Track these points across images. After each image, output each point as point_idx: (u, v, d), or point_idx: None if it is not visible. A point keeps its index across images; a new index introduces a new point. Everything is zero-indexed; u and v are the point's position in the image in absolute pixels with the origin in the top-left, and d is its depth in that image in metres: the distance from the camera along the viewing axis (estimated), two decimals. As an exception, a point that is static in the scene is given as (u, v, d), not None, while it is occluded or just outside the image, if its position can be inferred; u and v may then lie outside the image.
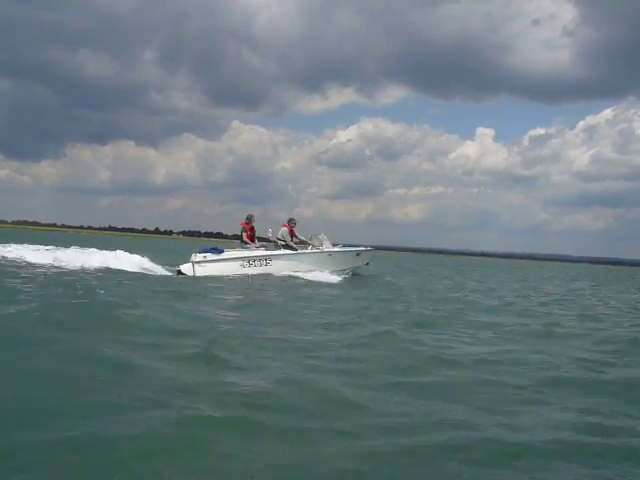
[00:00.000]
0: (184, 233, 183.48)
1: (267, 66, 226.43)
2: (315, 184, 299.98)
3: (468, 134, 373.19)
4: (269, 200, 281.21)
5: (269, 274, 18.21)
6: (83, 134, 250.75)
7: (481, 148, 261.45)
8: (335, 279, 17.99)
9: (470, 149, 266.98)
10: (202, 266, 18.04)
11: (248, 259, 18.39)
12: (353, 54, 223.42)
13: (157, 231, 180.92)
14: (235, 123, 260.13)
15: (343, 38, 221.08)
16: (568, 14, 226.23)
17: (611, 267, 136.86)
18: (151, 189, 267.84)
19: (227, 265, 18.24)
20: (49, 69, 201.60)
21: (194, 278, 17.11)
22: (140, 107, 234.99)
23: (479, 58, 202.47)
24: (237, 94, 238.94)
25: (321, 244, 19.32)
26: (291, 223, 19.51)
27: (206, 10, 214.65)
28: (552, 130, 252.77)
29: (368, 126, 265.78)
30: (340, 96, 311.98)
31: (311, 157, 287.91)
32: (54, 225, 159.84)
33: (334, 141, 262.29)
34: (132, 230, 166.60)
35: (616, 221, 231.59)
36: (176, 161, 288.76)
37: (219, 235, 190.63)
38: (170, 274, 17.89)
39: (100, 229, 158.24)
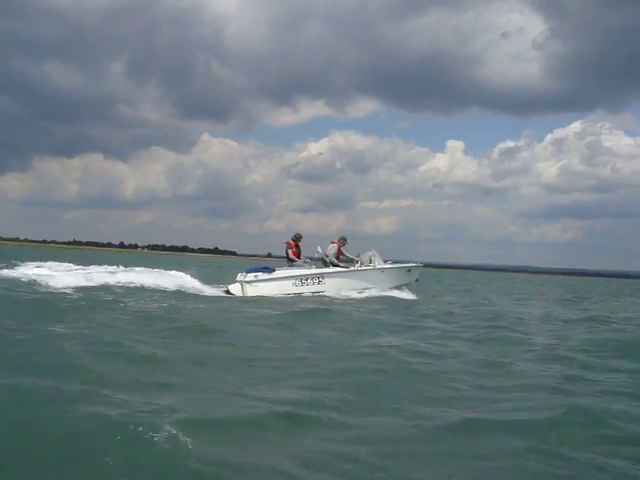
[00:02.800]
0: (149, 247, 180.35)
1: (237, 79, 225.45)
2: (286, 197, 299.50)
3: (438, 147, 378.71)
4: (239, 213, 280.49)
5: (323, 292, 17.67)
6: (50, 147, 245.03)
7: (451, 161, 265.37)
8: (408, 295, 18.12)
9: (440, 162, 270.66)
10: (254, 286, 17.51)
11: (300, 277, 17.80)
12: (323, 67, 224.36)
13: (122, 245, 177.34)
14: (205, 136, 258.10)
15: (313, 51, 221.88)
16: (537, 28, 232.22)
17: (576, 278, 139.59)
18: (120, 203, 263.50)
19: (279, 284, 17.68)
20: (14, 80, 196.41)
21: (251, 299, 16.54)
22: (109, 120, 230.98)
23: (449, 71, 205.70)
24: (207, 107, 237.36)
25: (370, 261, 18.78)
26: (341, 241, 18.92)
27: (176, 22, 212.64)
28: (521, 143, 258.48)
29: (339, 139, 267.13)
30: (311, 109, 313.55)
31: (281, 170, 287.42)
32: (16, 239, 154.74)
33: (305, 154, 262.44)
34: (96, 244, 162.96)
35: (584, 232, 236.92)
36: (145, 174, 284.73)
37: (185, 249, 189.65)
38: (221, 294, 17.26)
39: (64, 243, 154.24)
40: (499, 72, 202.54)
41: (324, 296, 17.32)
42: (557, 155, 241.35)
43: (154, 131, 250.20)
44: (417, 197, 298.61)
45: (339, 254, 18.81)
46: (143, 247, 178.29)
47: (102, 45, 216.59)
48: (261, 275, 17.61)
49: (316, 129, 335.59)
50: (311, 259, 19.01)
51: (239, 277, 17.97)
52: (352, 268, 18.45)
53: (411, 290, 18.88)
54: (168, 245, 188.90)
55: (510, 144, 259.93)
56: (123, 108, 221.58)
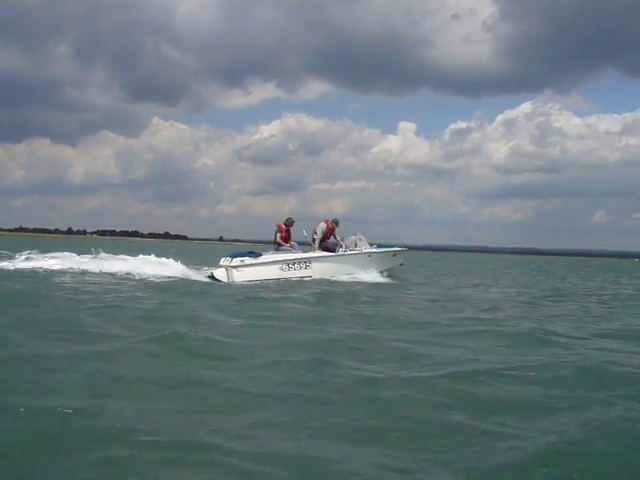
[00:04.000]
0: (98, 232, 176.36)
1: (187, 61, 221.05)
2: (238, 180, 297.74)
3: (390, 128, 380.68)
4: (191, 197, 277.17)
5: (310, 277, 17.31)
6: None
7: (403, 142, 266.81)
8: (383, 279, 17.74)
9: (392, 143, 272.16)
10: (240, 271, 16.88)
11: (287, 262, 17.27)
12: (274, 49, 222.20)
13: (70, 231, 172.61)
14: (155, 119, 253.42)
15: (263, 33, 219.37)
16: (487, 9, 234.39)
17: (526, 257, 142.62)
18: (69, 188, 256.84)
19: (266, 269, 17.10)
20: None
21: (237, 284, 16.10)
22: (55, 104, 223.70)
23: (400, 53, 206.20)
24: (156, 89, 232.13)
25: (355, 245, 18.47)
26: (333, 223, 18.44)
27: (123, 3, 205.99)
28: (472, 124, 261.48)
29: (290, 121, 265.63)
30: (262, 91, 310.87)
31: (233, 153, 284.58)
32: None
33: (256, 136, 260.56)
34: (44, 230, 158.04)
35: (534, 212, 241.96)
36: (94, 159, 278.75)
37: (135, 234, 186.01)
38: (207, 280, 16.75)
39: (10, 230, 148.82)
40: (450, 53, 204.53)
41: (312, 281, 16.97)
42: (507, 136, 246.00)
43: (103, 115, 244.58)
44: (369, 179, 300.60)
45: (328, 233, 18.39)
46: (92, 233, 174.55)
47: (46, 27, 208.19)
48: (247, 260, 17.02)
49: (268, 111, 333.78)
50: (299, 243, 18.57)
51: (223, 262, 17.37)
52: (340, 253, 18.07)
53: (395, 274, 18.74)
54: (118, 230, 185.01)
55: (461, 125, 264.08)
56: (70, 92, 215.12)
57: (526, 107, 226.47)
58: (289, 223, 18.11)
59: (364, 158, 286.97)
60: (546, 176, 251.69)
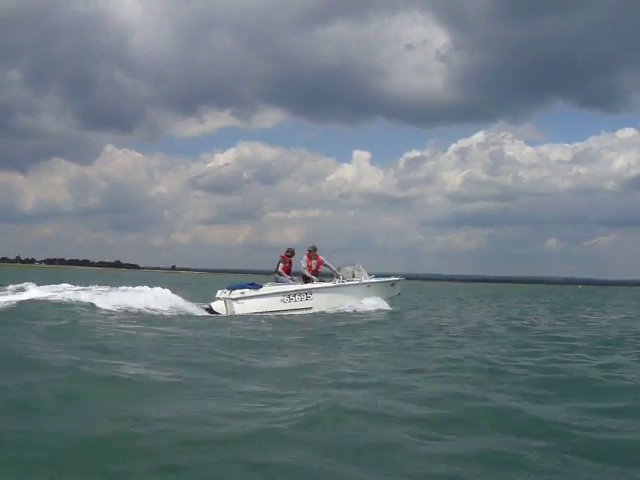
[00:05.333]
0: (47, 261, 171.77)
1: (141, 88, 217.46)
2: (192, 209, 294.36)
3: (345, 157, 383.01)
4: (145, 226, 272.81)
5: (310, 308, 17.01)
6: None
7: (358, 171, 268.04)
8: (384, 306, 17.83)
9: (347, 172, 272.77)
10: (240, 303, 16.66)
11: (288, 294, 17.03)
12: (229, 77, 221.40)
13: (18, 259, 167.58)
14: (109, 147, 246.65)
15: (219, 61, 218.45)
16: (440, 40, 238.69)
17: (475, 284, 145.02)
18: (18, 216, 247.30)
19: (267, 301, 16.86)
20: None
21: (242, 317, 15.71)
22: (6, 130, 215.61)
23: (354, 82, 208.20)
24: (110, 117, 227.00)
25: (353, 275, 18.27)
26: (309, 250, 18.04)
27: (78, 29, 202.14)
28: (426, 153, 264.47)
29: (245, 150, 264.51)
30: (217, 120, 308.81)
31: (187, 181, 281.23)
32: None
33: (211, 165, 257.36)
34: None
35: (487, 240, 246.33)
36: (46, 187, 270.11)
37: (85, 262, 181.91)
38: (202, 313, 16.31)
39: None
40: (404, 83, 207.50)
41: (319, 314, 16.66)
42: (461, 165, 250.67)
43: (55, 142, 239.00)
44: (324, 207, 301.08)
45: (318, 264, 18.11)
46: (40, 261, 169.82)
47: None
48: (248, 291, 16.76)
49: (223, 140, 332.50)
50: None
51: (220, 294, 17.07)
52: (340, 284, 17.84)
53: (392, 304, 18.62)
54: (67, 259, 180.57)
55: (416, 154, 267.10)
56: (21, 118, 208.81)
57: (479, 136, 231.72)
58: (291, 254, 17.85)
59: (319, 187, 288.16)
60: (499, 204, 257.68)
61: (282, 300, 16.95)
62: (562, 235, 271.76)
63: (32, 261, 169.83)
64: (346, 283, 17.88)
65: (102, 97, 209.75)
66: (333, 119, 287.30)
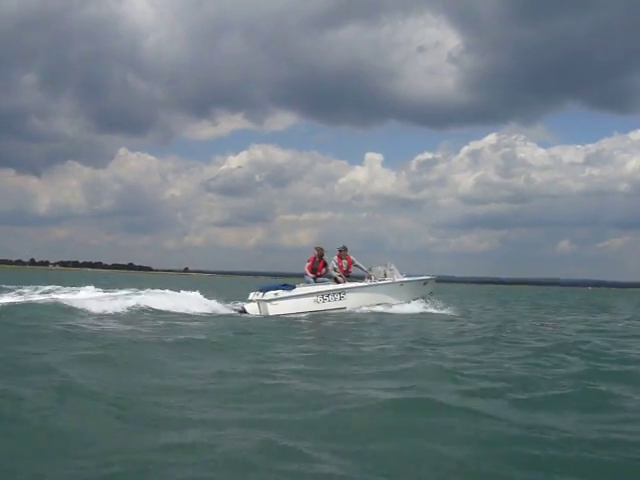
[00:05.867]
0: (61, 264, 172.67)
1: (155, 91, 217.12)
2: (205, 211, 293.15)
3: (357, 160, 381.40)
4: (158, 228, 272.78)
5: (344, 308, 16.94)
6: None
7: (370, 173, 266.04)
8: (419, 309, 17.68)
9: (359, 174, 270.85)
10: (274, 304, 16.69)
11: (322, 294, 17.05)
12: (242, 80, 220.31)
13: (32, 262, 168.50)
14: (122, 150, 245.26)
15: (231, 64, 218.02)
16: (452, 42, 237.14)
17: (489, 286, 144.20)
18: (33, 219, 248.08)
19: (301, 301, 16.92)
20: None
21: (273, 317, 15.81)
22: (20, 133, 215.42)
23: (366, 85, 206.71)
24: (124, 120, 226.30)
25: (385, 275, 18.15)
26: (340, 251, 18.12)
27: (91, 33, 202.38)
28: (438, 155, 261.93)
29: (258, 152, 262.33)
30: (230, 122, 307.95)
31: (200, 184, 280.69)
32: None
33: (224, 167, 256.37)
34: (5, 262, 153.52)
35: (499, 242, 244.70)
36: (60, 190, 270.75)
37: (99, 265, 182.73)
38: (233, 312, 16.53)
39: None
40: (416, 85, 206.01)
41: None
42: (473, 167, 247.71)
43: (69, 145, 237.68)
44: (336, 210, 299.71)
45: (349, 263, 18.03)
46: (54, 264, 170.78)
47: (13, 56, 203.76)
48: (281, 293, 16.82)
49: (235, 142, 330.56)
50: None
51: (253, 296, 17.19)
52: (373, 283, 17.74)
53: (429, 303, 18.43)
54: (81, 261, 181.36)
55: (428, 156, 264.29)
56: (36, 121, 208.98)
57: (491, 138, 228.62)
58: (318, 253, 17.96)
59: (331, 189, 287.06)
60: (511, 206, 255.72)
61: (316, 300, 16.95)
62: (574, 237, 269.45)
63: (46, 263, 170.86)
64: (379, 282, 17.80)
65: (115, 100, 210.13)
66: (345, 121, 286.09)
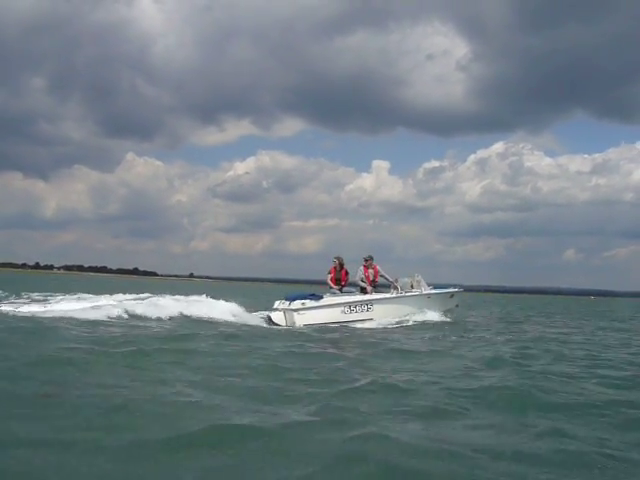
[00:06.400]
0: (65, 267, 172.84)
1: (162, 97, 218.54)
2: (211, 217, 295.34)
3: (364, 167, 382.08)
4: (164, 233, 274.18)
5: (371, 319, 16.70)
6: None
7: (377, 180, 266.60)
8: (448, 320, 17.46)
9: (366, 182, 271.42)
10: (302, 314, 16.40)
11: (349, 304, 16.79)
12: (249, 86, 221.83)
13: (37, 266, 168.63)
14: (129, 155, 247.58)
15: (240, 70, 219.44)
16: (461, 50, 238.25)
17: (493, 294, 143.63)
18: (40, 223, 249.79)
19: (328, 312, 16.64)
20: None
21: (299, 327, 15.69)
22: (28, 137, 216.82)
23: (375, 92, 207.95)
24: (131, 125, 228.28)
25: (411, 286, 17.92)
26: (366, 261, 17.84)
27: (99, 38, 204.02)
28: (445, 163, 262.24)
29: (265, 159, 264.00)
30: (237, 128, 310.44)
31: (207, 190, 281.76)
32: None
33: (231, 173, 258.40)
34: (11, 265, 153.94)
35: (505, 250, 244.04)
36: (67, 194, 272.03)
37: (104, 269, 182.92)
38: (261, 322, 16.26)
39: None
40: (424, 93, 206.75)
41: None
42: (480, 175, 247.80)
43: (77, 149, 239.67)
44: (342, 216, 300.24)
45: (375, 274, 17.80)
46: (59, 268, 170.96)
47: (22, 60, 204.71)
48: (309, 302, 16.56)
49: (243, 148, 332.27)
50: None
51: (279, 305, 16.93)
52: (401, 295, 17.51)
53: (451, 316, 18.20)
54: (86, 266, 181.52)
55: (435, 164, 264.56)
56: (44, 125, 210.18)
57: (499, 147, 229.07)
58: (337, 263, 17.73)
59: (338, 196, 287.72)
60: (518, 215, 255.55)
61: (343, 311, 16.71)
62: (580, 246, 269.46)
63: (51, 267, 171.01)
64: (407, 294, 17.59)
65: (123, 105, 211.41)
66: (353, 128, 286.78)
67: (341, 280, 17.69)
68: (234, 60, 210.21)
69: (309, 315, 16.40)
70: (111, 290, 22.06)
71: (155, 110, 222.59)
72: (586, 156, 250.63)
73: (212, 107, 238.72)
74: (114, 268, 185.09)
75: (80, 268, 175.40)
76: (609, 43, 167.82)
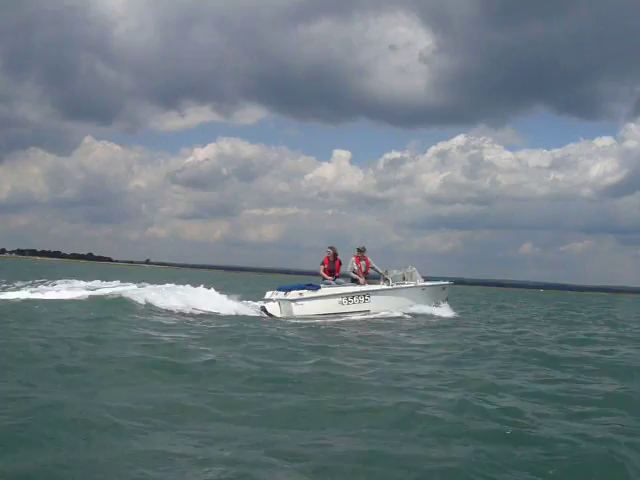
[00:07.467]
0: (18, 252, 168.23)
1: (122, 80, 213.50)
2: (169, 203, 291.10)
3: (325, 156, 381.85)
4: (122, 219, 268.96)
5: (368, 311, 16.60)
6: None
7: (337, 170, 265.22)
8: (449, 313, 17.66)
9: (327, 171, 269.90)
10: (299, 305, 16.20)
11: (347, 295, 16.65)
12: (211, 72, 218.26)
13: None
14: (87, 138, 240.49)
15: (202, 56, 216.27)
16: (424, 42, 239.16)
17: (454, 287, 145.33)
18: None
19: (326, 302, 16.54)
20: None
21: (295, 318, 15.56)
22: None
23: (337, 81, 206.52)
24: (90, 108, 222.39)
25: (403, 278, 17.87)
26: (358, 252, 17.69)
27: (59, 18, 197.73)
28: (406, 154, 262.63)
29: (226, 145, 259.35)
30: (198, 114, 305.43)
31: (166, 175, 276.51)
32: None
33: (190, 159, 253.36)
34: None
35: (463, 243, 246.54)
36: (22, 176, 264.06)
37: (57, 254, 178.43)
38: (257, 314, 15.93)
39: None
40: (386, 84, 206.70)
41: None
42: (440, 167, 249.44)
43: (33, 131, 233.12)
44: (302, 205, 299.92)
45: (367, 266, 17.63)
46: (11, 252, 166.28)
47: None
48: (306, 293, 16.35)
49: (203, 135, 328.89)
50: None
51: (272, 295, 16.70)
52: (397, 286, 17.45)
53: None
54: (39, 250, 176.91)
55: (395, 155, 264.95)
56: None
57: (459, 139, 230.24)
58: (330, 253, 17.46)
59: (298, 185, 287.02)
60: (476, 207, 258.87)
61: (341, 302, 16.59)
62: (537, 240, 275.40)
63: (2, 251, 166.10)
64: (403, 286, 17.56)
65: (82, 88, 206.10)
66: (315, 117, 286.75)
67: (335, 271, 17.48)
68: (196, 45, 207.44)
69: (307, 306, 16.23)
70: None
71: (114, 93, 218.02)
72: (545, 151, 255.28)
73: (173, 92, 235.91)
74: (68, 253, 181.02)
75: (33, 252, 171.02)
76: (571, 40, 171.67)
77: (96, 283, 19.36)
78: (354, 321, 15.28)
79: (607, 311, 32.17)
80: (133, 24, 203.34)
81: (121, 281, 21.47)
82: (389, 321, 15.46)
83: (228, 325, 12.36)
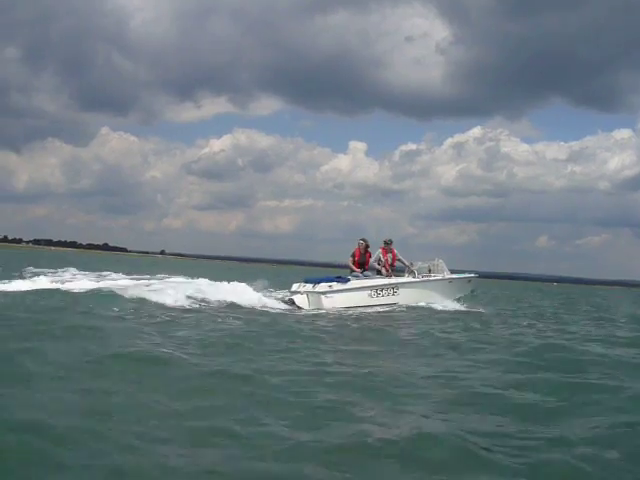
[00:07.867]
0: (34, 242, 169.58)
1: (139, 71, 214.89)
2: (185, 194, 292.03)
3: (341, 148, 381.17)
4: (137, 210, 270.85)
5: (396, 303, 16.73)
6: None
7: (353, 162, 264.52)
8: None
9: (342, 162, 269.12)
10: (329, 297, 16.27)
11: (376, 288, 16.76)
12: (227, 63, 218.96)
13: (5, 239, 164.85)
14: (104, 130, 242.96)
15: (218, 47, 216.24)
16: (441, 33, 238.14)
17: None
18: (10, 196, 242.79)
19: (355, 295, 16.63)
20: None
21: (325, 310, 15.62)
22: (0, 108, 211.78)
23: (353, 73, 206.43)
24: (107, 99, 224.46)
25: (429, 270, 17.95)
26: (385, 244, 17.70)
27: (76, 10, 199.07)
28: (422, 146, 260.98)
29: (241, 137, 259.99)
30: (214, 105, 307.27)
31: (182, 166, 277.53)
32: None
33: (206, 150, 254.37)
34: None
35: (478, 235, 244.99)
36: (40, 167, 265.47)
37: (73, 244, 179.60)
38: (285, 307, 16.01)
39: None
40: (402, 75, 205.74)
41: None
42: (456, 159, 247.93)
43: (50, 122, 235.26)
44: (317, 197, 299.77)
45: (393, 258, 17.71)
46: (28, 242, 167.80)
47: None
48: (336, 285, 16.42)
49: (219, 126, 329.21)
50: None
51: (300, 288, 16.78)
52: (425, 279, 17.56)
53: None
54: (55, 240, 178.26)
55: (411, 147, 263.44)
56: (16, 96, 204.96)
57: (476, 131, 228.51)
58: (362, 246, 17.49)
59: (313, 176, 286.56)
60: (492, 200, 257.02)
61: (370, 295, 16.67)
62: (553, 233, 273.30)
63: (19, 241, 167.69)
64: (431, 279, 17.65)
65: (99, 79, 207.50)
66: (330, 109, 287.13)
67: (365, 264, 17.52)
68: (212, 37, 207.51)
69: (337, 298, 16.27)
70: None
71: (131, 85, 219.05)
72: (562, 143, 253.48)
73: (189, 83, 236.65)
74: (84, 243, 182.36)
75: (49, 242, 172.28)
76: (589, 31, 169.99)
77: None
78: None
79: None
80: (149, 15, 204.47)
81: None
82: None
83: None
